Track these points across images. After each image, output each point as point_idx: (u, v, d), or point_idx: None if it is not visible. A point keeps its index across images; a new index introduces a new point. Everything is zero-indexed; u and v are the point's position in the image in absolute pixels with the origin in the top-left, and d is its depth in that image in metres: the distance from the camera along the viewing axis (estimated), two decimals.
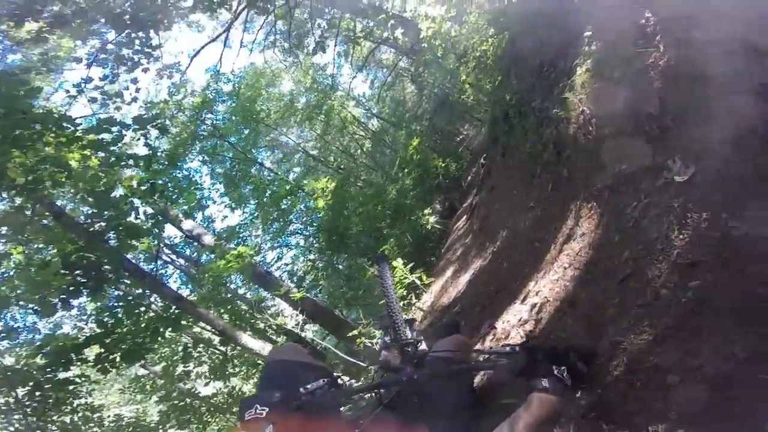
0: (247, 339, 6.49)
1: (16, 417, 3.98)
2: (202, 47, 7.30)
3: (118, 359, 4.57)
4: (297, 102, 9.12)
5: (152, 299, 6.01)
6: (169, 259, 9.85)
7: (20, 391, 4.04)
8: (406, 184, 8.18)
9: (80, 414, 4.87)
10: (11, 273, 4.80)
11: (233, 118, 8.15)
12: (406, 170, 8.21)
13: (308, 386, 1.36)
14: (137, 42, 4.20)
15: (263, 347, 6.39)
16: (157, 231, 5.98)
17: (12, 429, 3.95)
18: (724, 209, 1.21)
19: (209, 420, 6.65)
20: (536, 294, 2.34)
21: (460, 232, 6.61)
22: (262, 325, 8.48)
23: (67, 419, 4.70)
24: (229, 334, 6.32)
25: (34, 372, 4.11)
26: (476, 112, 7.30)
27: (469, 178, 9.28)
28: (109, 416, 5.52)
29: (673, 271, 1.31)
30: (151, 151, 4.72)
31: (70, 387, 4.53)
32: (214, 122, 8.11)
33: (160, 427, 6.01)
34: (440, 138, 9.27)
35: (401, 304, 4.53)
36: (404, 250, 7.02)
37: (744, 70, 1.32)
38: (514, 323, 2.45)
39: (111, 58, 4.19)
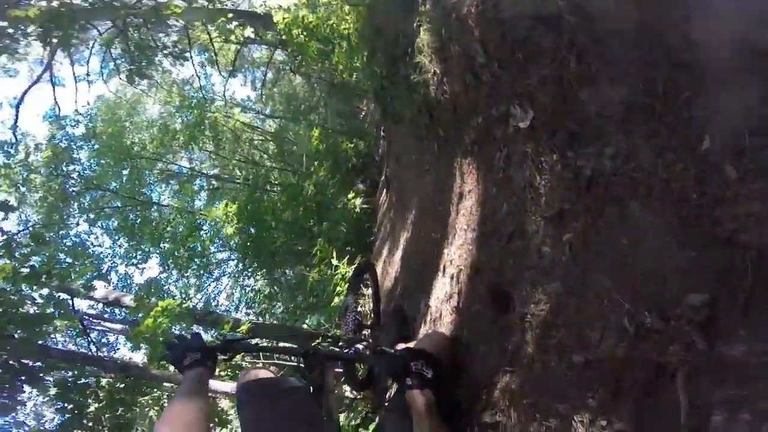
0: (217, 384, 6.03)
1: None
2: (25, 93, 6.18)
3: None
4: (172, 124, 8.24)
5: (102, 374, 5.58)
6: (104, 328, 8.88)
7: None
8: (321, 175, 7.89)
9: None
10: None
11: (102, 162, 7.16)
12: (316, 162, 7.89)
13: None
14: None
15: (233, 388, 6.03)
16: (61, 312, 5.48)
17: None
18: (569, 148, 1.15)
19: None
20: (451, 262, 2.27)
21: (385, 207, 6.53)
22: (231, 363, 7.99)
23: None
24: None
25: None
26: (365, 88, 7.13)
27: (380, 150, 9.20)
28: None
29: (546, 223, 1.25)
30: (5, 236, 4.05)
31: None
32: (82, 173, 7.08)
33: None
34: (342, 120, 9.01)
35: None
36: (341, 242, 6.82)
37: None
38: (442, 299, 2.36)
39: None
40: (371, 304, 3.47)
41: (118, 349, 8.49)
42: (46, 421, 6.28)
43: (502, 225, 1.53)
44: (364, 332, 2.87)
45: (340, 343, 2.62)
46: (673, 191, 0.92)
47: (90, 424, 4.44)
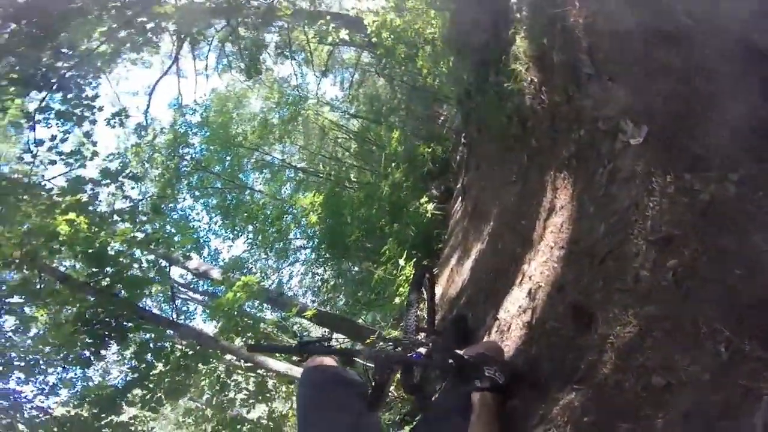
0: (272, 363, 6.50)
1: None
2: (156, 83, 7.20)
3: (162, 398, 4.86)
4: (270, 119, 9.02)
5: (175, 340, 6.16)
6: (187, 297, 9.94)
7: None
8: (396, 177, 8.04)
9: None
10: (42, 333, 5.00)
11: (211, 147, 8.08)
12: (393, 164, 8.07)
13: None
14: (72, 97, 4.14)
15: (289, 368, 6.39)
16: (160, 278, 6.10)
17: None
18: (688, 170, 1.08)
19: None
20: (530, 278, 2.21)
21: (458, 215, 6.48)
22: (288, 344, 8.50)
23: None
24: (253, 361, 6.34)
25: (88, 421, 4.30)
26: (447, 93, 7.13)
27: (458, 157, 9.12)
28: None
29: (649, 247, 1.19)
30: (132, 203, 4.71)
31: (131, 428, 4.80)
32: (194, 156, 8.06)
33: None
34: (422, 124, 9.09)
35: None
36: (409, 245, 6.90)
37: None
38: (514, 313, 2.32)
39: (52, 117, 4.13)
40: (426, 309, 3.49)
41: (194, 318, 9.35)
42: (109, 378, 6.86)
43: (597, 245, 1.47)
44: (420, 335, 2.91)
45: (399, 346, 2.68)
46: None
47: (150, 385, 4.78)
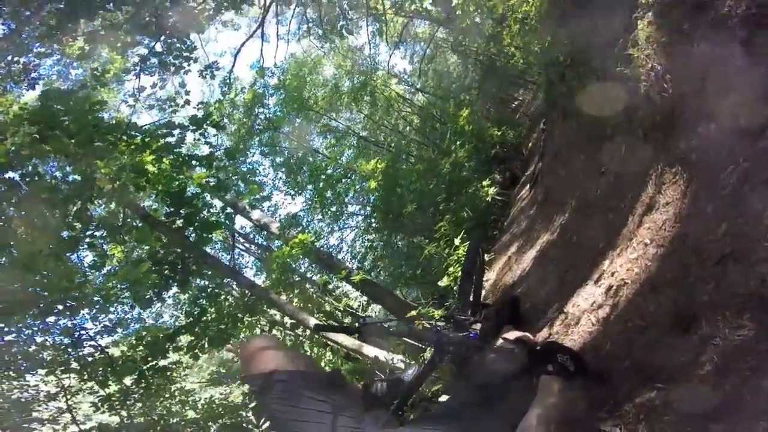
0: (314, 322, 6.78)
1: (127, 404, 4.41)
2: (242, 45, 7.50)
3: (206, 345, 4.96)
4: (341, 86, 9.13)
5: (231, 287, 6.49)
6: (243, 248, 10.57)
7: (128, 381, 4.47)
8: (459, 156, 7.87)
9: (177, 398, 5.26)
10: (115, 270, 5.34)
11: (284, 109, 8.37)
12: (458, 143, 7.89)
13: None
14: (174, 48, 4.39)
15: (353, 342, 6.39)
16: (228, 223, 6.41)
17: (124, 414, 4.37)
18: None
19: None
20: (612, 275, 2.13)
21: (524, 204, 6.27)
22: (328, 308, 8.83)
23: (167, 404, 5.10)
24: (297, 318, 6.64)
25: (137, 362, 4.49)
26: (529, 76, 6.74)
27: (530, 144, 8.73)
28: (200, 399, 5.86)
29: None
30: (211, 149, 4.98)
31: (168, 373, 4.90)
32: (268, 115, 8.41)
33: (245, 406, 6.37)
34: (493, 106, 8.76)
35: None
36: (462, 226, 6.82)
37: None
38: (585, 308, 2.26)
39: (156, 66, 4.44)
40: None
41: (246, 270, 9.86)
42: (161, 322, 7.00)
43: (712, 246, 1.37)
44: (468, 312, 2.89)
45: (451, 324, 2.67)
46: None
47: (199, 331, 4.84)
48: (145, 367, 4.45)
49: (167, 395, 4.98)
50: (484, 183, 7.47)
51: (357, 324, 1.79)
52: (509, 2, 4.29)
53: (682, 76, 1.65)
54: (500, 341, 1.80)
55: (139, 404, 4.41)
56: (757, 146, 1.26)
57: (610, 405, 1.49)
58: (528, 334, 1.89)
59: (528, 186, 6.29)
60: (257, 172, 8.82)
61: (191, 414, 5.25)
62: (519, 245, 4.92)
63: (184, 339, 4.97)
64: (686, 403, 1.19)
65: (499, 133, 8.42)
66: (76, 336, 4.42)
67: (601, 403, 1.53)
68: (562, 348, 1.58)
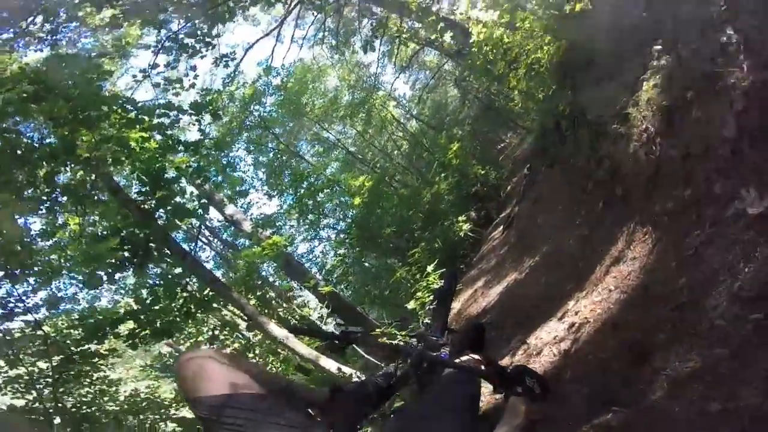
0: (273, 327, 6.54)
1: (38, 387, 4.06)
2: (256, 41, 7.59)
3: (149, 336, 4.61)
4: (340, 99, 9.31)
5: (189, 279, 6.19)
6: (206, 241, 10.25)
7: (42, 364, 4.14)
8: (441, 188, 8.12)
9: (97, 387, 4.87)
10: (65, 243, 4.99)
11: (279, 110, 8.42)
12: (443, 174, 8.15)
13: None
14: (200, 32, 4.40)
15: (287, 336, 6.37)
16: (201, 213, 6.20)
17: (30, 397, 4.01)
18: None
19: None
20: (575, 314, 2.27)
21: (495, 243, 6.48)
22: (287, 315, 8.63)
23: (83, 391, 4.73)
24: (256, 320, 6.41)
25: (69, 342, 4.22)
26: (522, 120, 7.12)
27: (509, 188, 9.10)
28: (125, 391, 5.47)
29: (733, 302, 1.25)
30: (202, 136, 4.91)
31: (95, 360, 4.54)
32: (262, 114, 8.43)
33: (173, 404, 5.77)
34: (481, 145, 9.14)
35: (427, 309, 4.53)
36: (435, 256, 6.95)
37: None
38: (548, 340, 2.38)
39: (176, 46, 4.42)
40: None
41: (205, 263, 9.51)
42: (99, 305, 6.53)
43: (672, 295, 1.52)
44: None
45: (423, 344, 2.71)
46: None
47: (144, 319, 4.54)
48: (76, 350, 4.16)
49: (87, 382, 4.61)
50: (460, 218, 7.70)
51: (340, 332, 1.81)
52: (524, 47, 4.50)
53: (672, 142, 1.84)
54: (466, 358, 1.86)
55: (50, 388, 4.04)
56: (724, 213, 1.44)
57: (569, 426, 1.59)
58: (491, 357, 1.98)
59: (501, 227, 6.53)
60: (238, 167, 8.72)
61: (111, 405, 4.88)
62: (486, 280, 5.09)
63: (125, 327, 4.57)
64: (641, 425, 1.29)
65: (482, 172, 8.77)
66: (9, 307, 4.06)
67: (560, 425, 1.63)
68: (530, 371, 1.66)
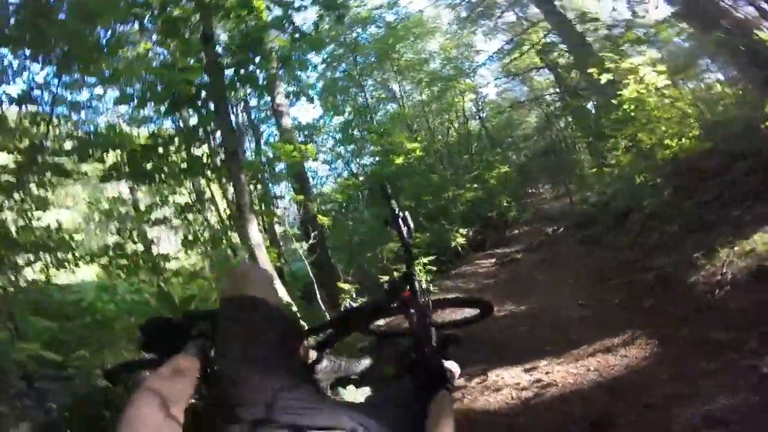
0: (253, 228, 5.85)
1: None
2: None
3: (130, 175, 4.58)
4: (428, 64, 9.21)
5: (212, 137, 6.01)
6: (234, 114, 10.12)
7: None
8: (465, 196, 8.28)
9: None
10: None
11: (373, 43, 8.30)
12: (474, 186, 8.29)
13: None
14: None
15: (259, 243, 5.77)
16: (263, 88, 5.98)
17: None
18: None
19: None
20: (546, 373, 2.44)
21: (481, 270, 6.66)
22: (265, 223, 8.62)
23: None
24: (243, 213, 6.23)
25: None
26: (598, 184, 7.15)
27: (516, 231, 9.37)
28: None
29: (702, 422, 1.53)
30: (314, 25, 4.88)
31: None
32: (358, 37, 8.29)
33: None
34: (522, 180, 9.28)
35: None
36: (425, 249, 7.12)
37: None
38: (509, 383, 2.51)
39: None
40: None
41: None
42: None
43: (648, 395, 1.83)
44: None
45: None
46: None
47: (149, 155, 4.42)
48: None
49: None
50: (461, 231, 7.92)
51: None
52: (667, 128, 4.15)
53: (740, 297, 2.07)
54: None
55: None
56: (737, 358, 1.71)
57: None
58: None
59: (494, 261, 6.74)
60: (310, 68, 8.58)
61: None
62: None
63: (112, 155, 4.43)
64: None
65: (506, 204, 8.98)
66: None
67: None
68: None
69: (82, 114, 4.73)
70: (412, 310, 1.57)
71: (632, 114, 4.09)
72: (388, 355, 2.14)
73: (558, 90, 8.76)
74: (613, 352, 2.37)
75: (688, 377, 1.88)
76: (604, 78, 4.32)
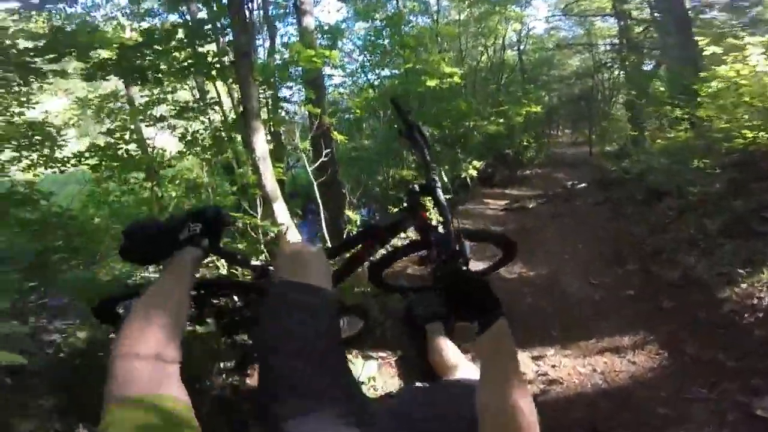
0: (260, 138, 5.54)
1: None
2: None
3: (119, 72, 4.00)
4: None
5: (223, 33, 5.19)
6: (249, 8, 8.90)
7: None
8: (489, 128, 7.82)
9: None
10: None
11: None
12: (501, 119, 7.78)
13: None
14: None
15: (266, 155, 5.45)
16: None
17: None
18: None
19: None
20: (552, 367, 2.36)
21: (488, 213, 6.55)
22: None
23: None
24: (250, 118, 5.82)
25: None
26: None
27: (527, 172, 9.10)
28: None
29: None
30: None
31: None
32: None
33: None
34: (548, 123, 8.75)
35: None
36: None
37: None
38: None
39: None
40: None
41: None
42: None
43: (649, 413, 1.88)
44: None
45: None
46: None
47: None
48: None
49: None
50: (474, 163, 7.67)
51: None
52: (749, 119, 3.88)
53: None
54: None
55: None
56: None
57: None
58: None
59: (503, 204, 6.60)
60: None
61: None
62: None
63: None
64: None
65: (526, 144, 8.55)
66: None
67: None
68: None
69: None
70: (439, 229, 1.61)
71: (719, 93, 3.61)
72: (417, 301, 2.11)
73: (618, 41, 7.74)
74: (622, 355, 2.37)
75: (685, 401, 1.91)
76: (710, 50, 3.72)
